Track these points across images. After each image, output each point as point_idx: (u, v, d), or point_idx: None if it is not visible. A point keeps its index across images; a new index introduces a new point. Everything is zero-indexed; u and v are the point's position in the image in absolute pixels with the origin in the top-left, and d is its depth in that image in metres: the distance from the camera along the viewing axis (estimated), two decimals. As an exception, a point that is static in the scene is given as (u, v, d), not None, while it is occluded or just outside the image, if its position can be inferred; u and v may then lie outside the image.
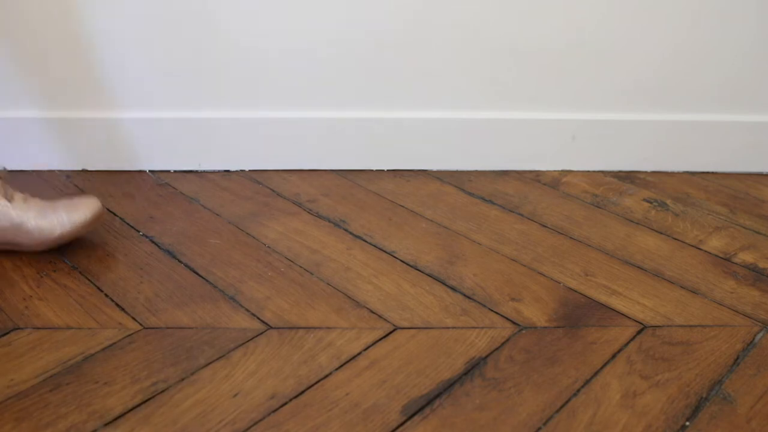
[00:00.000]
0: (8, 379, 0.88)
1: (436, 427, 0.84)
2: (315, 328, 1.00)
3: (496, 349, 0.97)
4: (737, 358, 0.97)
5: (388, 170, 1.44)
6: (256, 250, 1.16)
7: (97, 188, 1.33)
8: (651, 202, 1.37)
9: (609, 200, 1.37)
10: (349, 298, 1.06)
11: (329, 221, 1.25)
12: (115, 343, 0.95)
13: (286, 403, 0.87)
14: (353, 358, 0.94)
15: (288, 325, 1.00)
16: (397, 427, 0.84)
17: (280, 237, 1.20)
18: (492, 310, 1.04)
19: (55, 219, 1.08)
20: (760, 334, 1.02)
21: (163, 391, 0.88)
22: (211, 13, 1.30)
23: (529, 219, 1.29)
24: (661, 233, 1.27)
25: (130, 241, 1.17)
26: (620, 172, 1.48)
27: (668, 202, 1.37)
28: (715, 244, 1.24)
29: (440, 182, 1.41)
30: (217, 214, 1.26)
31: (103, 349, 0.94)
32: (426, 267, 1.14)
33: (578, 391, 0.91)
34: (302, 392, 0.89)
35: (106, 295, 1.04)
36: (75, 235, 1.10)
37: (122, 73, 1.33)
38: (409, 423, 0.85)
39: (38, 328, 0.97)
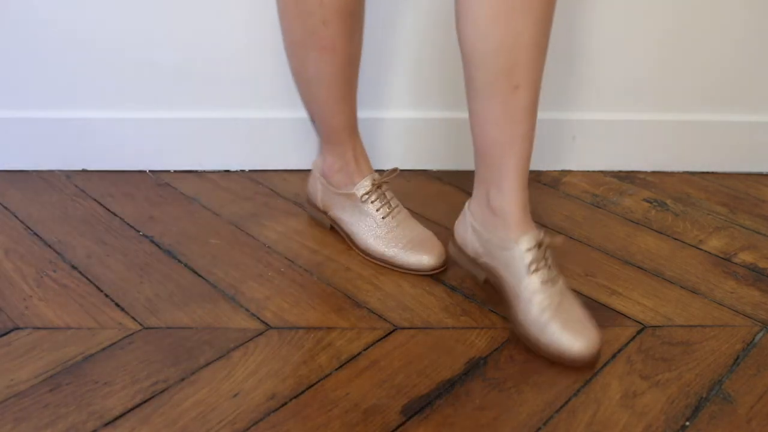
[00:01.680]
0: (8, 379, 0.88)
1: (436, 427, 0.84)
2: (315, 328, 1.00)
3: (496, 349, 0.97)
4: (737, 358, 0.97)
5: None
6: (256, 250, 1.16)
7: (97, 188, 1.33)
8: (651, 202, 1.37)
9: (609, 200, 1.37)
10: (349, 298, 1.06)
11: (329, 221, 1.25)
12: (115, 343, 0.95)
13: (286, 403, 0.87)
14: (353, 358, 0.94)
15: (288, 325, 1.00)
16: (397, 427, 0.84)
17: (280, 237, 1.20)
18: (492, 310, 1.04)
19: (414, 257, 1.10)
20: (760, 334, 1.02)
21: (163, 391, 0.88)
22: (211, 15, 1.30)
23: (529, 219, 1.29)
24: (661, 233, 1.27)
25: (130, 241, 1.17)
26: (620, 172, 1.48)
27: (668, 202, 1.37)
28: (715, 244, 1.24)
29: (440, 182, 1.41)
30: (217, 214, 1.26)
31: (103, 349, 0.94)
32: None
33: (578, 391, 0.91)
34: (302, 392, 0.89)
35: (106, 295, 1.04)
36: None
37: (122, 73, 1.33)
38: (409, 423, 0.85)
39: (38, 328, 0.97)
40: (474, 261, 1.04)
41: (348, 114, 1.13)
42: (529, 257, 0.95)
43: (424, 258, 1.10)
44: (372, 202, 1.13)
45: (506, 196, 0.96)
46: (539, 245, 0.96)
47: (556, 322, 0.93)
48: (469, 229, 1.03)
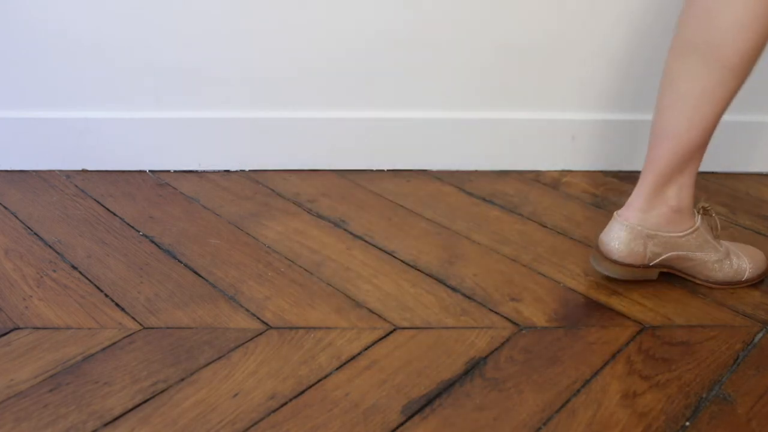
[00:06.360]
0: (8, 379, 0.88)
1: (436, 427, 0.84)
2: (315, 328, 1.00)
3: (496, 349, 0.97)
4: (737, 358, 0.97)
5: (388, 170, 1.44)
6: (256, 250, 1.16)
7: (97, 188, 1.33)
8: (651, 202, 1.37)
9: (609, 200, 1.37)
10: (349, 298, 1.06)
11: (329, 221, 1.25)
12: (115, 343, 0.95)
13: (286, 403, 0.87)
14: (353, 358, 0.94)
15: (288, 325, 1.00)
16: (397, 427, 0.84)
17: (280, 237, 1.20)
18: (492, 310, 1.04)
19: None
20: (760, 334, 1.02)
21: (163, 391, 0.88)
22: (212, 15, 1.30)
23: (529, 219, 1.29)
24: (661, 233, 1.26)
25: (130, 241, 1.17)
26: (620, 172, 1.48)
27: (668, 202, 1.37)
28: (715, 244, 1.24)
29: (440, 182, 1.41)
30: (217, 214, 1.26)
31: (103, 349, 0.94)
32: (426, 267, 1.14)
33: (578, 391, 0.91)
34: (302, 392, 0.89)
35: (106, 295, 1.04)
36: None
37: (122, 73, 1.33)
38: (409, 423, 0.85)
39: (38, 328, 0.97)
40: (646, 266, 1.07)
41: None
42: (705, 226, 1.08)
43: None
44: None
45: (685, 192, 1.05)
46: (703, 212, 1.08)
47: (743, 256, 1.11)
48: (640, 240, 1.05)
